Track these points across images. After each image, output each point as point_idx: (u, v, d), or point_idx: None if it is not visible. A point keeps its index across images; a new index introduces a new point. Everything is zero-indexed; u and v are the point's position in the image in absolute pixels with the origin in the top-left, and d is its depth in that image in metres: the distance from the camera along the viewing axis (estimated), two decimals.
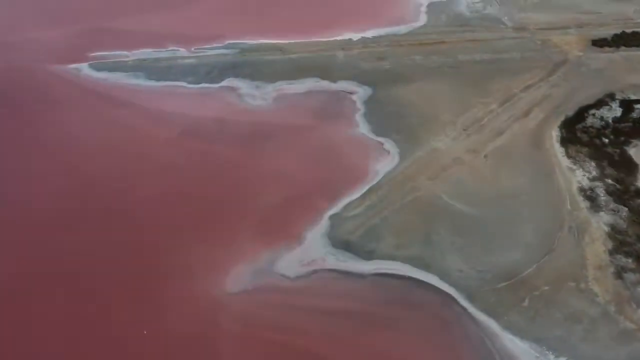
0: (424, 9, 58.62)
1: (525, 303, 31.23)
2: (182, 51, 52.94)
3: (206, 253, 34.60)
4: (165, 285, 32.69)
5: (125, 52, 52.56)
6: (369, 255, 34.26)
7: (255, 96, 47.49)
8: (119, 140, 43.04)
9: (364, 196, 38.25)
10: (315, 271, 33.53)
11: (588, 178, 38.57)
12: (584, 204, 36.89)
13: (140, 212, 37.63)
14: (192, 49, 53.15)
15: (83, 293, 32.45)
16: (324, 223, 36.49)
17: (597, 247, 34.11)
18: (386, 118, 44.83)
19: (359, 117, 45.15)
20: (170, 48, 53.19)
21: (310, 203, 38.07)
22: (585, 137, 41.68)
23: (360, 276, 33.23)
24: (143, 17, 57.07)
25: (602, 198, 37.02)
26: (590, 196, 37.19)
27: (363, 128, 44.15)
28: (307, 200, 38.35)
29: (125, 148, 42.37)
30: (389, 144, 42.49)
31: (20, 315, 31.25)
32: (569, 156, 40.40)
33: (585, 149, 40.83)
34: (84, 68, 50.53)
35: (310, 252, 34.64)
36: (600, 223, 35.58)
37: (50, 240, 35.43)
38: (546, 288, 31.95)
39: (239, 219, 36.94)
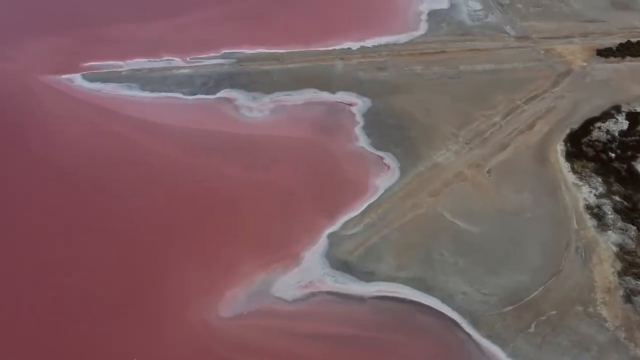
0: (424, 17, 57.36)
1: (532, 329, 30.02)
2: (178, 61, 51.72)
3: (199, 275, 33.43)
4: (157, 310, 31.46)
5: (119, 62, 51.32)
6: (368, 277, 33.06)
7: (252, 108, 46.27)
8: (112, 154, 41.87)
9: (363, 213, 37.08)
10: (313, 294, 32.32)
11: (595, 195, 37.39)
12: (591, 222, 35.73)
13: (131, 230, 36.46)
14: (188, 58, 51.94)
15: (70, 319, 31.14)
16: (322, 242, 35.34)
17: (606, 269, 32.92)
18: (386, 131, 43.64)
19: (358, 130, 43.96)
20: (165, 58, 51.98)
21: (308, 220, 36.90)
22: (591, 152, 40.51)
23: (360, 299, 32.03)
24: (138, 26, 55.81)
25: (610, 216, 35.83)
26: (597, 214, 36.01)
27: (362, 141, 42.98)
28: (305, 217, 37.17)
29: (118, 163, 41.21)
30: (389, 158, 41.33)
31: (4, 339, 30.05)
32: (574, 171, 39.25)
33: (591, 164, 39.69)
34: (77, 78, 49.31)
35: (308, 273, 33.45)
36: (608, 243, 34.40)
37: (37, 259, 34.20)
38: (553, 312, 30.75)
39: (234, 237, 35.76)
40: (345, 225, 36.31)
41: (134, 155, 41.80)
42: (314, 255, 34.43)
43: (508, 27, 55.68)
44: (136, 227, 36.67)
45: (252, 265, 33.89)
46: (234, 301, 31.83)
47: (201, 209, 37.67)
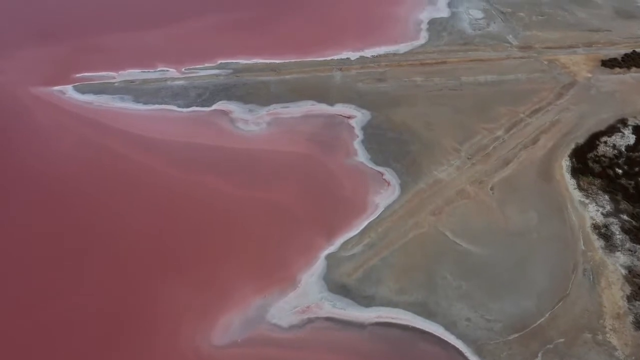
0: (424, 26, 56.32)
1: (539, 358, 28.72)
2: (172, 71, 50.53)
3: (192, 298, 32.08)
4: (148, 338, 30.09)
5: (112, 73, 50.15)
6: (368, 302, 31.74)
7: (248, 121, 45.04)
8: (103, 170, 40.57)
9: (362, 233, 35.79)
10: (310, 320, 30.98)
11: (602, 213, 36.14)
12: (598, 243, 34.47)
13: (123, 250, 35.09)
14: (183, 69, 50.78)
15: (53, 347, 29.77)
16: (319, 263, 34.02)
17: (615, 293, 31.65)
18: (386, 145, 42.42)
19: (357, 144, 42.71)
20: (159, 68, 50.81)
21: (305, 240, 35.60)
22: (597, 168, 39.28)
23: (359, 326, 30.69)
24: (131, 35, 54.76)
25: (618, 237, 34.58)
26: (604, 234, 34.75)
27: (362, 156, 41.72)
28: (302, 237, 35.87)
29: (110, 179, 39.89)
30: (389, 174, 40.08)
31: None
32: (580, 189, 38.01)
33: (598, 181, 38.46)
34: (69, 90, 48.12)
35: (305, 297, 32.12)
36: (616, 265, 33.13)
37: (19, 282, 32.81)
38: (561, 340, 29.47)
39: (229, 259, 34.43)
40: (343, 246, 35.02)
41: (126, 171, 40.48)
42: (311, 277, 33.13)
43: (510, 36, 54.54)
44: (126, 248, 35.29)
45: (247, 288, 32.58)
46: (228, 328, 30.50)
47: (194, 228, 36.37)
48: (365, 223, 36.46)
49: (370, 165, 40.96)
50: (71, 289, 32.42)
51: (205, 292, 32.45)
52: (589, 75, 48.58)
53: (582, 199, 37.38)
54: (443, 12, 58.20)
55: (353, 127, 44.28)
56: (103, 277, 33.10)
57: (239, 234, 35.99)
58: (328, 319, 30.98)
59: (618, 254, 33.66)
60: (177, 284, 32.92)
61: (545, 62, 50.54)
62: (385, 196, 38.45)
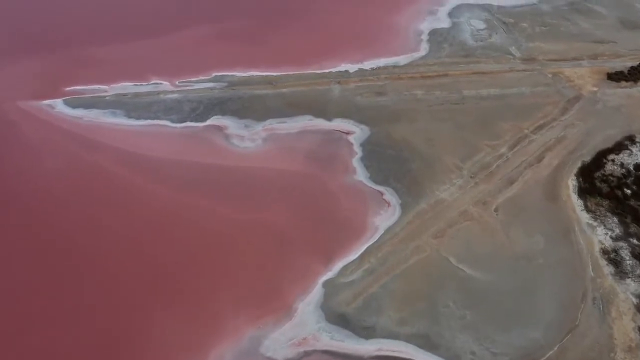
0: (425, 37, 54.88)
1: None
2: (166, 84, 49.05)
3: (183, 329, 30.60)
4: None
5: (103, 86, 48.66)
6: (368, 333, 30.28)
7: (244, 137, 43.57)
8: (93, 190, 39.11)
9: (362, 257, 34.34)
10: (306, 353, 29.55)
11: (611, 237, 34.73)
12: (607, 269, 33.06)
13: (110, 277, 33.59)
14: (177, 82, 49.29)
15: None
16: (317, 291, 32.58)
17: (626, 324, 30.20)
18: (386, 163, 41.00)
19: (356, 162, 41.30)
20: (152, 81, 49.32)
21: (302, 266, 34.16)
22: (605, 188, 37.88)
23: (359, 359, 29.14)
24: (124, 46, 53.29)
25: (628, 262, 33.17)
26: (614, 260, 33.34)
27: (361, 175, 40.29)
28: (299, 262, 34.43)
29: (99, 200, 38.41)
30: (389, 194, 38.65)
31: None
32: (588, 210, 36.59)
33: (605, 202, 37.05)
34: (58, 104, 46.60)
35: (302, 328, 30.66)
36: (627, 293, 31.71)
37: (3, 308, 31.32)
38: None
39: (222, 286, 32.95)
40: (342, 272, 33.56)
41: (115, 191, 39.05)
42: (308, 306, 31.65)
43: (513, 48, 53.17)
44: (113, 274, 33.78)
45: (241, 318, 31.14)
46: None
47: (186, 253, 34.89)
48: (365, 247, 35.07)
49: (370, 184, 39.55)
50: (51, 319, 30.83)
51: (195, 323, 31.00)
52: (595, 89, 47.21)
53: (590, 221, 35.97)
54: (444, 23, 56.81)
55: (352, 144, 42.86)
56: (87, 307, 31.61)
57: (232, 259, 34.56)
58: (326, 352, 29.55)
59: (629, 281, 32.25)
60: (166, 314, 31.50)
61: (550, 75, 49.16)
62: (385, 217, 37.02)
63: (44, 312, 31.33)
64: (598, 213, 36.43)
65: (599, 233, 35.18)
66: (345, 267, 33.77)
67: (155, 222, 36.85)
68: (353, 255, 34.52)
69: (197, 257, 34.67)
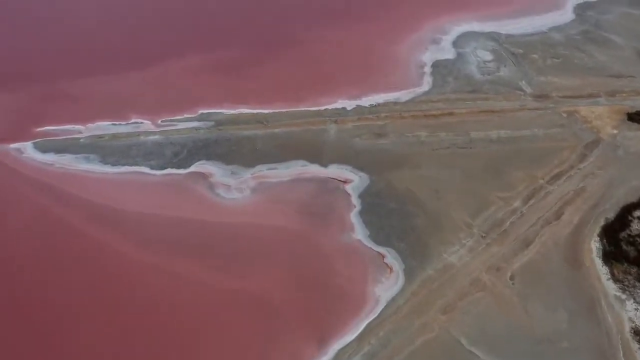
0: (427, 69, 50.87)
1: None
2: (147, 124, 44.98)
3: None
4: None
5: (78, 126, 44.59)
6: None
7: (230, 186, 39.51)
8: (59, 252, 35.09)
9: (361, 337, 30.30)
10: None
11: None
12: None
13: (74, 356, 29.33)
14: (159, 121, 45.17)
15: None
16: None
17: None
18: (387, 218, 36.95)
19: (354, 217, 37.24)
20: (132, 120, 45.23)
21: (292, 347, 30.15)
22: (632, 252, 33.90)
23: None
24: (102, 80, 49.09)
25: None
26: None
27: (359, 233, 36.22)
28: (289, 342, 30.45)
29: (65, 263, 34.33)
30: (391, 257, 34.62)
31: None
32: (615, 279, 32.54)
33: (634, 269, 33.05)
34: (28, 148, 42.54)
35: None
36: None
37: None
38: None
39: None
40: (338, 356, 29.36)
41: (84, 253, 35.00)
42: None
43: (523, 82, 49.24)
44: (78, 353, 29.60)
45: None
46: None
47: (159, 330, 30.82)
48: (365, 324, 30.97)
49: (370, 244, 35.48)
50: None
51: None
52: (615, 131, 43.25)
53: (618, 293, 31.91)
54: (448, 53, 52.86)
55: (349, 195, 38.80)
56: None
57: (211, 341, 30.39)
58: None
59: None
60: None
61: (564, 115, 45.20)
62: (387, 286, 32.97)
63: None
64: (626, 283, 32.38)
65: (628, 308, 31.12)
66: (342, 350, 29.79)
67: (126, 292, 32.74)
68: (351, 335, 30.46)
69: (170, 337, 30.53)
